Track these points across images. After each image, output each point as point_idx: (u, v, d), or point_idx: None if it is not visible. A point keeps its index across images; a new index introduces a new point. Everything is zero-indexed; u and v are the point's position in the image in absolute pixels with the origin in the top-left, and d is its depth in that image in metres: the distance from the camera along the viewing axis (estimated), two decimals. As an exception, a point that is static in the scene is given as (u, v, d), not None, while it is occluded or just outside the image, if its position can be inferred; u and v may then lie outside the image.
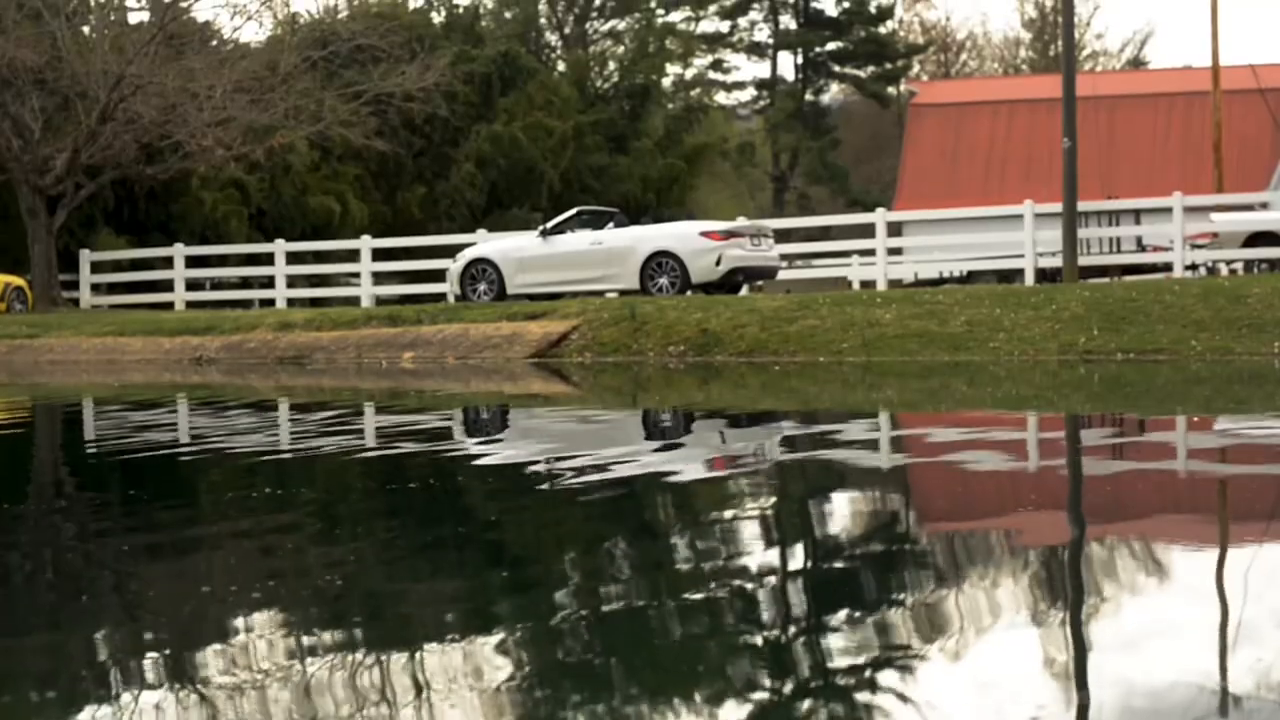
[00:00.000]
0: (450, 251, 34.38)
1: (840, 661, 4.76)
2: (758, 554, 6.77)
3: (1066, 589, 5.93)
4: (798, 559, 6.71)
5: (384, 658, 4.88)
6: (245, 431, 13.28)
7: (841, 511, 8.20)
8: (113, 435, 13.45)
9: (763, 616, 5.47)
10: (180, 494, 9.55)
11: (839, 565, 6.54)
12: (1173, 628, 5.17)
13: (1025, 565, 6.42)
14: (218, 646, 5.11)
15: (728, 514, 7.98)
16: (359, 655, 4.92)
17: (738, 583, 5.97)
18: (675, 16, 78.01)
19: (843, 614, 5.43)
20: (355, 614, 5.63)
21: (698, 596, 5.74)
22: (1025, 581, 6.04)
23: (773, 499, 8.67)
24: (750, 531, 7.41)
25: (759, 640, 5.09)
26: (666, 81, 71.28)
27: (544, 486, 9.14)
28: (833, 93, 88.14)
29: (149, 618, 5.69)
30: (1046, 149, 50.74)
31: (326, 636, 5.21)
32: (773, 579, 6.10)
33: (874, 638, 5.05)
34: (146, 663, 4.93)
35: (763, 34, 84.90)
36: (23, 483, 10.42)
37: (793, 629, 5.27)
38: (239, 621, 5.47)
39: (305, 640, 5.16)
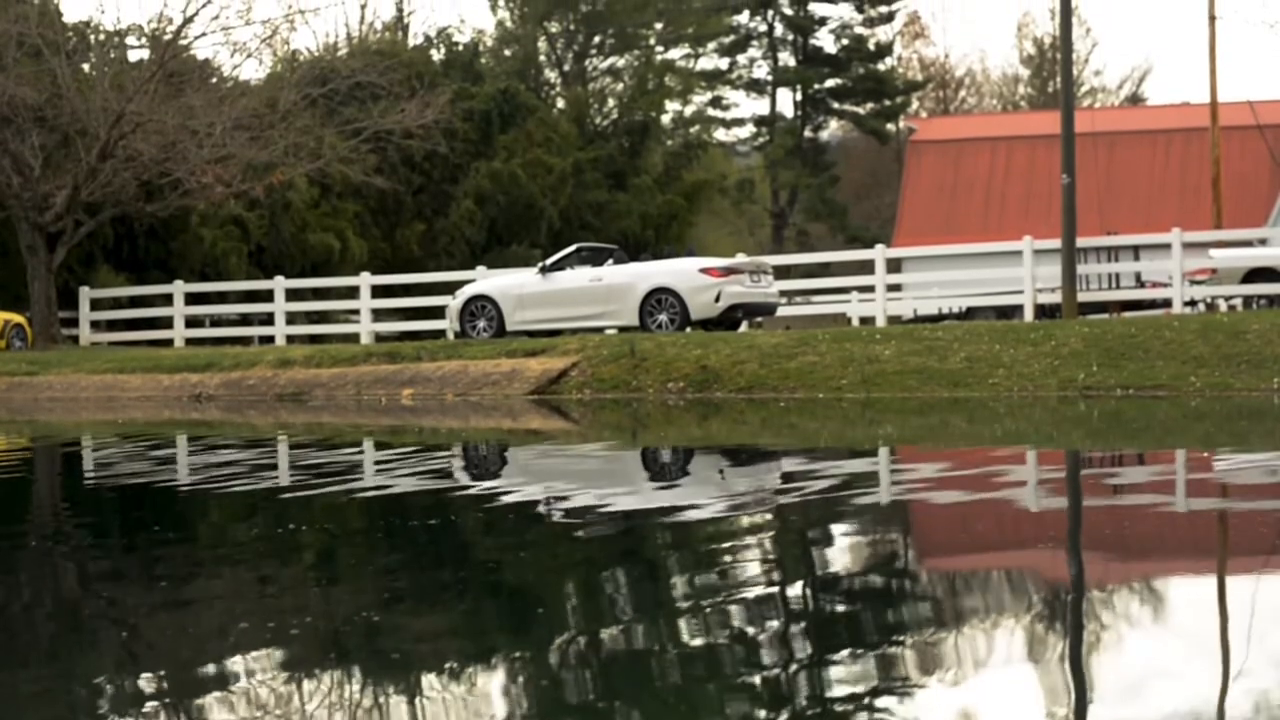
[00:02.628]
0: (449, 288, 34.37)
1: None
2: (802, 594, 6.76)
3: (1072, 627, 5.91)
4: (825, 599, 6.70)
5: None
6: (271, 471, 13.27)
7: (877, 551, 8.18)
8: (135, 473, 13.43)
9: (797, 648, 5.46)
10: (197, 531, 9.54)
11: (891, 607, 6.53)
12: (1174, 667, 5.16)
13: (1035, 603, 6.41)
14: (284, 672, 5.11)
15: (764, 554, 7.96)
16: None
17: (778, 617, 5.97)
18: (674, 53, 78.20)
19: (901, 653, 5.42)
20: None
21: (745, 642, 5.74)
22: (1037, 619, 6.03)
23: (795, 539, 8.66)
24: (792, 571, 7.40)
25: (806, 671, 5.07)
26: (666, 118, 71.38)
27: (583, 533, 9.13)
28: (832, 129, 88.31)
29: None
30: (1045, 185, 50.89)
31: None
32: (795, 617, 6.09)
33: (904, 670, 5.04)
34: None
35: (762, 71, 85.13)
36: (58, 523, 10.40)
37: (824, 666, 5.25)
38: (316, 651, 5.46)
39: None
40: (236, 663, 5.51)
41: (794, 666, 5.30)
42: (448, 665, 5.48)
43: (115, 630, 6.31)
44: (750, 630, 5.86)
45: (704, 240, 63.64)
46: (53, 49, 37.94)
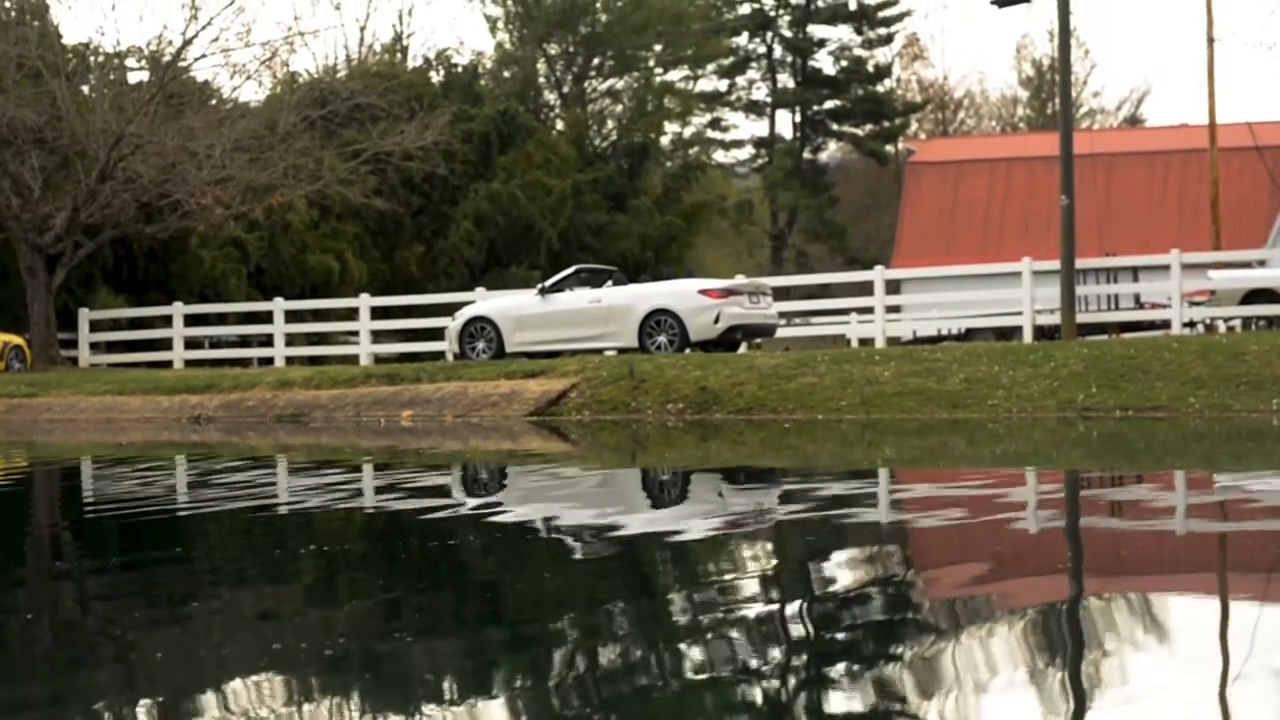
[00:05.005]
0: (449, 310, 34.38)
1: None
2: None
3: (1073, 652, 5.91)
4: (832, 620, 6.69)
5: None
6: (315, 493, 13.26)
7: (878, 575, 8.17)
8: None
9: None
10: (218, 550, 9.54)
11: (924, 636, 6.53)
12: (1177, 688, 5.16)
13: (1036, 625, 6.40)
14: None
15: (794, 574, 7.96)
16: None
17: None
18: (674, 75, 78.27)
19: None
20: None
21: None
22: (1038, 641, 6.02)
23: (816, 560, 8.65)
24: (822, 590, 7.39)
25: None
26: (665, 140, 71.46)
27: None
28: (831, 151, 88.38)
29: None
30: (1044, 206, 50.95)
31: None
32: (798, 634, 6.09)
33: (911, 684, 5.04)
34: None
35: (761, 92, 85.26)
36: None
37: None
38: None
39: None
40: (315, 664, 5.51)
41: (794, 690, 5.30)
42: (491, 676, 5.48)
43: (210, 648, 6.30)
44: (766, 658, 5.86)
45: (703, 261, 63.68)
46: (52, 71, 37.99)
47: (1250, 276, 33.35)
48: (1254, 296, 32.07)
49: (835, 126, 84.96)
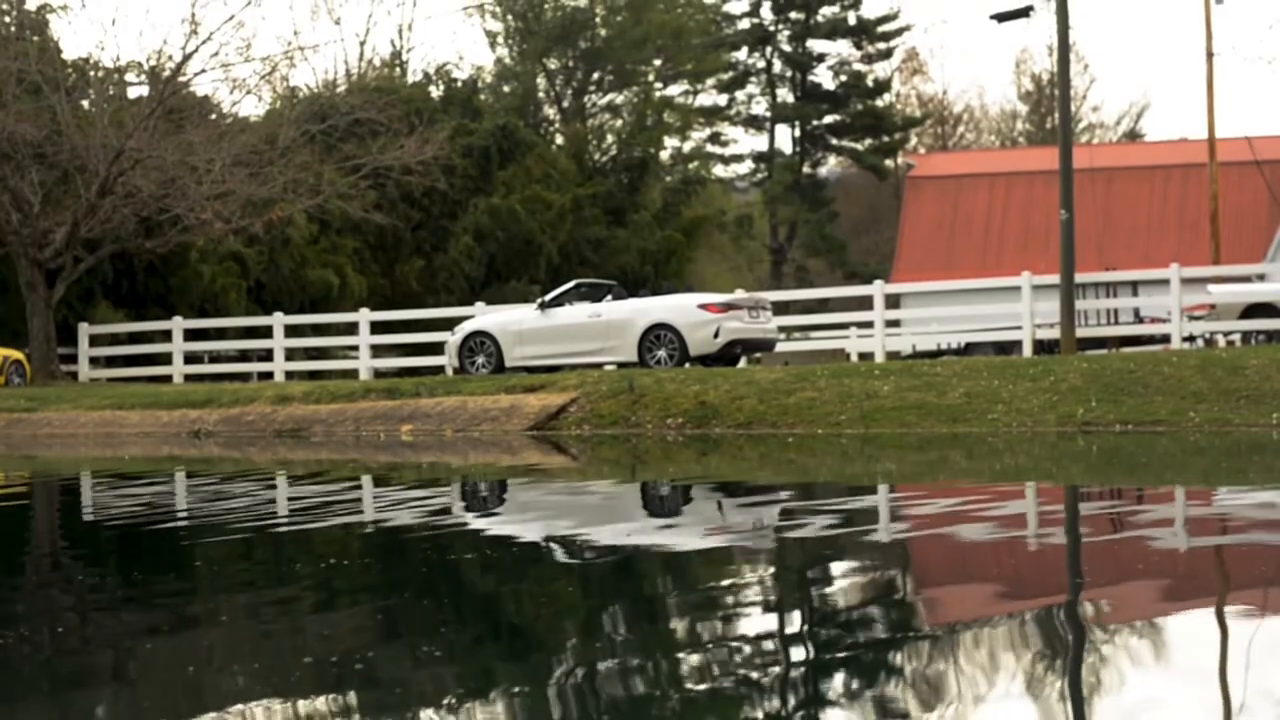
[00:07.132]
0: (448, 324, 34.38)
1: None
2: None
3: (1073, 668, 5.90)
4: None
5: None
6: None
7: (880, 591, 8.17)
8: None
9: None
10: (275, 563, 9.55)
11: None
12: (1179, 705, 5.15)
13: (1038, 644, 6.39)
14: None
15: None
16: None
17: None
18: (673, 90, 78.40)
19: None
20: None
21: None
22: (1040, 659, 6.01)
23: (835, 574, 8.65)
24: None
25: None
26: (664, 154, 71.52)
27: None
28: (830, 165, 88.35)
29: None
30: (1044, 221, 50.98)
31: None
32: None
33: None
34: None
35: (760, 107, 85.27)
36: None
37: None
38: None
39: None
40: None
41: (804, 706, 5.30)
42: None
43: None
44: (773, 672, 5.86)
45: (703, 276, 63.74)
46: (52, 86, 38.01)
47: (1250, 291, 33.35)
48: (1253, 311, 32.08)
49: (835, 141, 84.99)
